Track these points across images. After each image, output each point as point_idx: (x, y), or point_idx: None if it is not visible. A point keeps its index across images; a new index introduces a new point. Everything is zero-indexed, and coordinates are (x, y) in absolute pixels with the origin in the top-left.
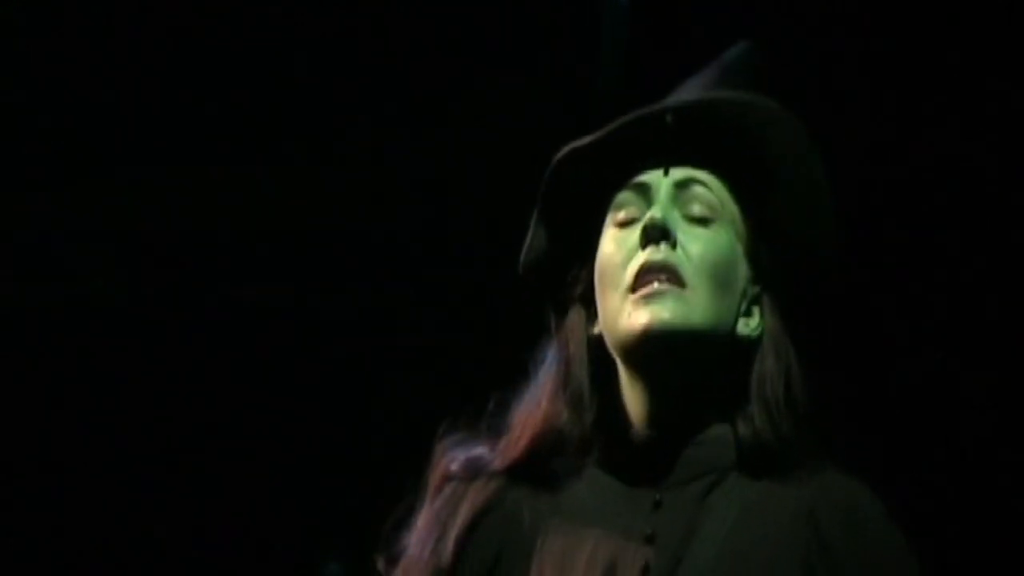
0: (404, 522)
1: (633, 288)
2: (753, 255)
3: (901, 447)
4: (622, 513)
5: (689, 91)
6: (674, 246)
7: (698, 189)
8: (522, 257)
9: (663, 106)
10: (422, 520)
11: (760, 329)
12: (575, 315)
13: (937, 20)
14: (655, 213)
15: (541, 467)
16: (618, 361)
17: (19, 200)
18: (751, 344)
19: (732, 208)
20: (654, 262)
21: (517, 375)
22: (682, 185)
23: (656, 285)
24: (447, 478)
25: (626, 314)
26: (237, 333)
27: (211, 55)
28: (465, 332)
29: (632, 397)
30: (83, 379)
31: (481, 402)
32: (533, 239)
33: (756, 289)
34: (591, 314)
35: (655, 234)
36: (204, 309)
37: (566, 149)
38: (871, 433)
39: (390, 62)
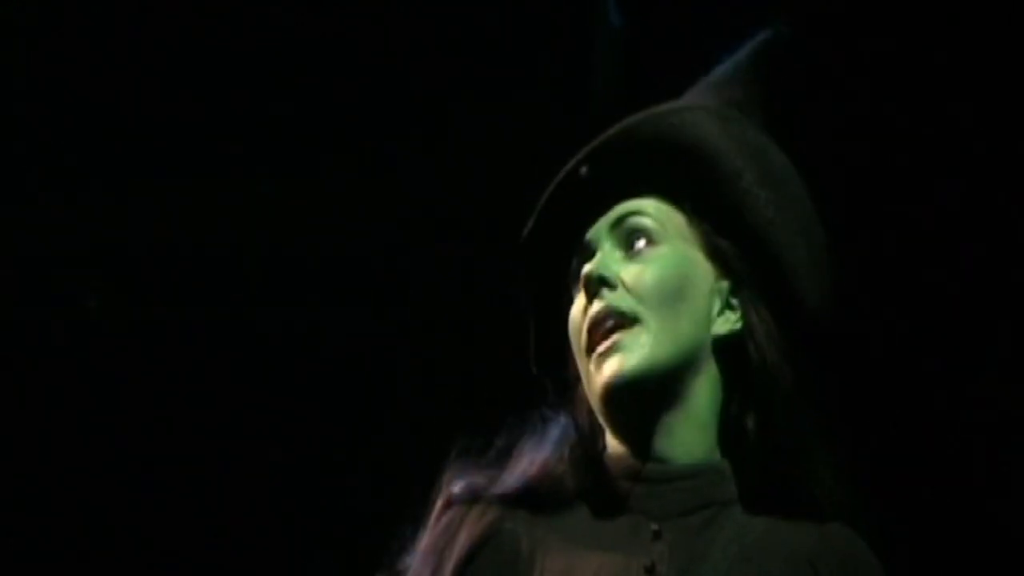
0: (404, 546)
1: (588, 349)
2: (714, 254)
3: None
4: (621, 543)
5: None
6: (615, 287)
7: (633, 220)
8: (532, 356)
9: (574, 160)
10: (421, 546)
11: (742, 321)
12: (581, 388)
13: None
14: (587, 267)
15: (541, 496)
16: (601, 419)
17: (11, 214)
18: (738, 337)
19: (677, 220)
20: (597, 313)
21: (518, 386)
22: (616, 225)
23: (607, 341)
24: (448, 504)
25: (592, 375)
26: (238, 348)
27: (206, 65)
28: (467, 337)
29: (620, 439)
30: (81, 389)
31: (483, 414)
32: (533, 332)
33: (726, 284)
34: None
35: (592, 287)
36: (203, 324)
37: (522, 235)
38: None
39: (390, 62)
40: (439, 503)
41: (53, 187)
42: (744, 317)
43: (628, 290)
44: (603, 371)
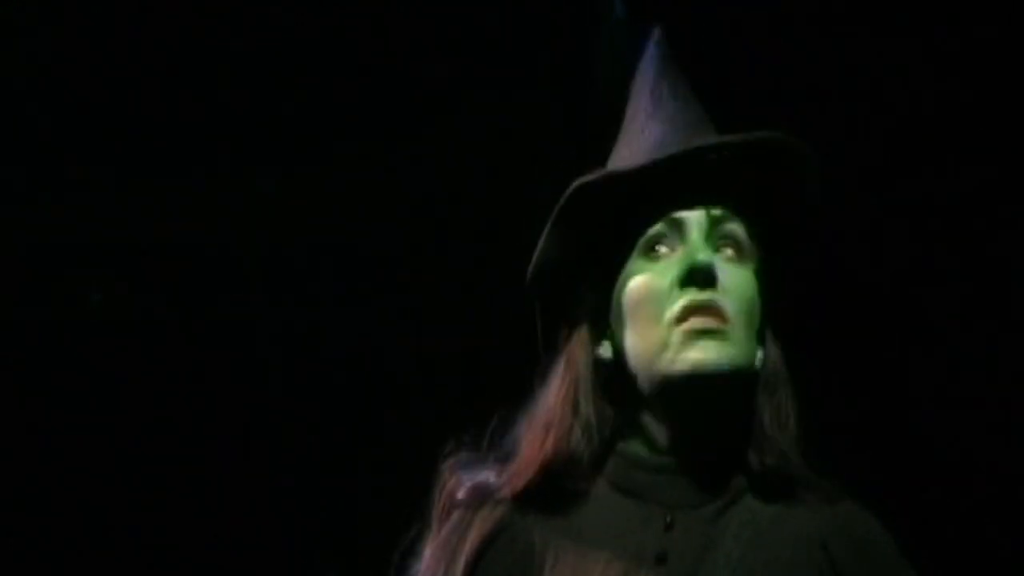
0: (412, 548)
1: (679, 320)
2: (765, 292)
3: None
4: (633, 533)
5: (683, 124)
6: (716, 287)
7: (731, 227)
8: (530, 268)
9: (704, 143)
10: (430, 549)
11: (763, 360)
12: (582, 335)
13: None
14: (700, 256)
15: (550, 489)
16: (645, 390)
17: (15, 210)
18: (756, 374)
19: (752, 246)
20: (701, 301)
21: (519, 386)
22: (717, 222)
23: (704, 321)
24: (453, 505)
25: (672, 349)
26: (239, 344)
27: (208, 64)
28: (467, 338)
29: (656, 427)
30: (83, 387)
31: (484, 414)
32: (542, 251)
33: (764, 324)
34: (596, 335)
35: (700, 275)
36: (204, 320)
37: (599, 175)
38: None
39: (390, 62)
40: (445, 501)
41: (56, 184)
42: (764, 357)
43: (727, 295)
44: (693, 351)
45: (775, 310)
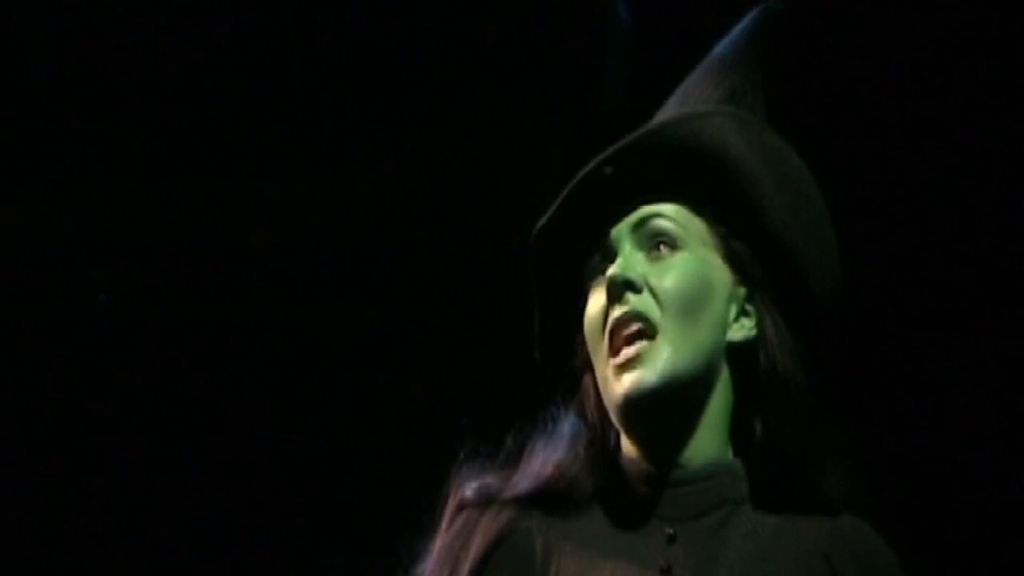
0: (418, 547)
1: (609, 353)
2: (732, 259)
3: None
4: (636, 545)
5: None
6: (640, 291)
7: (655, 223)
8: (536, 346)
9: (599, 159)
10: (435, 550)
11: (757, 328)
12: (588, 379)
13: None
14: (612, 269)
15: (556, 497)
16: (616, 424)
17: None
18: (751, 343)
19: (698, 225)
20: (620, 316)
21: (532, 389)
22: (638, 226)
23: (628, 350)
24: (461, 507)
25: (610, 383)
26: (250, 346)
27: (221, 70)
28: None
29: (636, 445)
30: (93, 387)
31: (500, 421)
32: (539, 322)
33: (743, 290)
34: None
35: (616, 291)
36: (215, 323)
37: (537, 227)
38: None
39: (393, 63)
40: (451, 505)
41: (65, 185)
42: (759, 324)
43: (652, 294)
44: (623, 382)
45: (775, 276)
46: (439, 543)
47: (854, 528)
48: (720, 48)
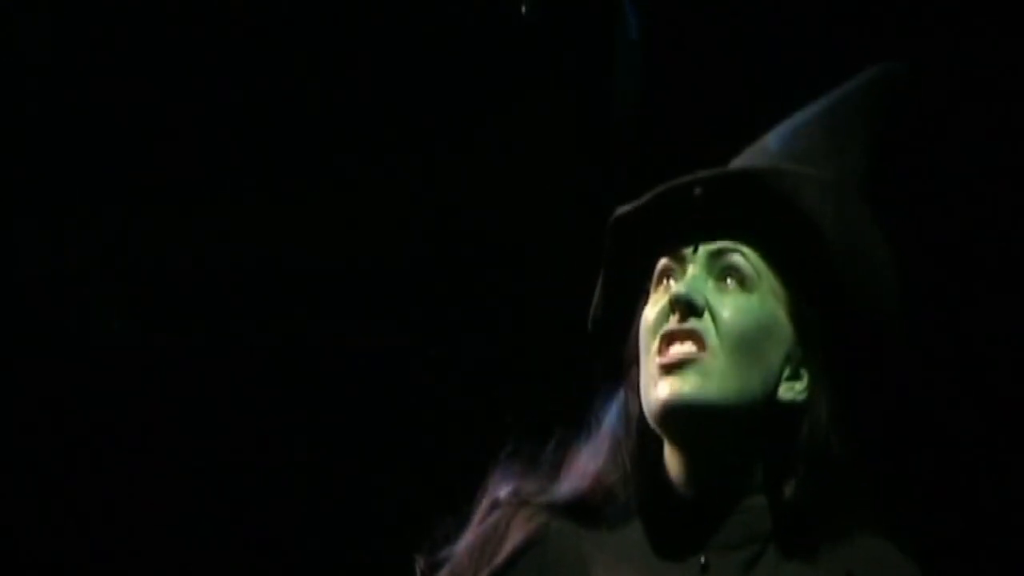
0: (449, 532)
1: (659, 352)
2: (797, 318)
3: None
4: (669, 570)
5: (748, 157)
6: (701, 315)
7: (733, 258)
8: (590, 315)
9: (693, 178)
10: (466, 542)
11: (807, 392)
12: (633, 376)
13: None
14: (679, 288)
15: (592, 509)
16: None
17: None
18: (799, 407)
19: (770, 275)
20: (678, 330)
21: (575, 393)
22: (715, 255)
23: (678, 351)
24: (495, 505)
25: (653, 382)
26: (264, 364)
27: (235, 86)
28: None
29: (672, 461)
30: (102, 406)
31: (541, 424)
32: (598, 299)
33: (800, 351)
34: None
35: (679, 307)
36: (225, 341)
37: (613, 216)
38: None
39: (396, 68)
40: (486, 502)
41: (76, 203)
42: (809, 391)
43: (713, 322)
44: (665, 386)
45: (838, 341)
46: (469, 537)
47: (883, 551)
48: (841, 93)
